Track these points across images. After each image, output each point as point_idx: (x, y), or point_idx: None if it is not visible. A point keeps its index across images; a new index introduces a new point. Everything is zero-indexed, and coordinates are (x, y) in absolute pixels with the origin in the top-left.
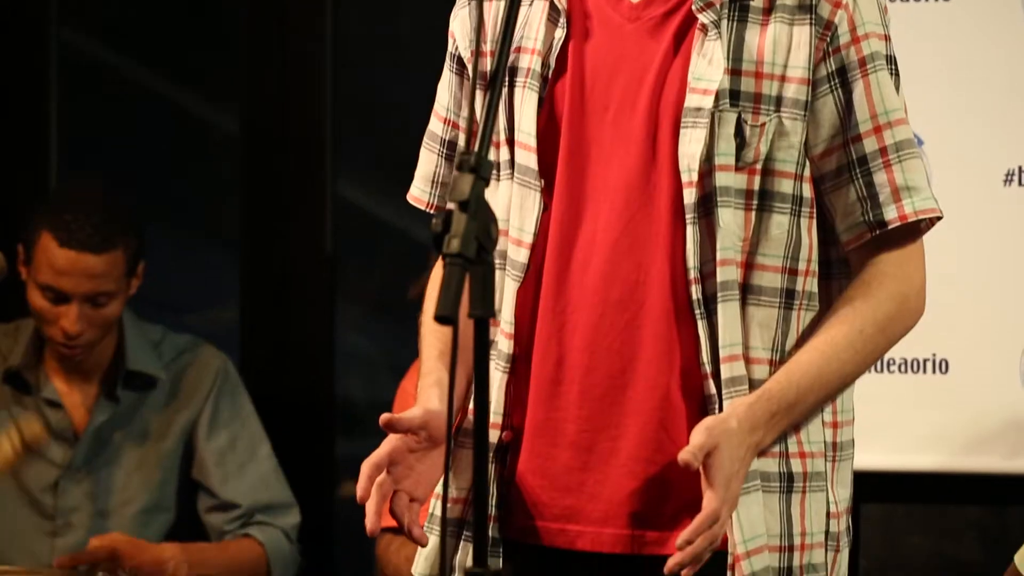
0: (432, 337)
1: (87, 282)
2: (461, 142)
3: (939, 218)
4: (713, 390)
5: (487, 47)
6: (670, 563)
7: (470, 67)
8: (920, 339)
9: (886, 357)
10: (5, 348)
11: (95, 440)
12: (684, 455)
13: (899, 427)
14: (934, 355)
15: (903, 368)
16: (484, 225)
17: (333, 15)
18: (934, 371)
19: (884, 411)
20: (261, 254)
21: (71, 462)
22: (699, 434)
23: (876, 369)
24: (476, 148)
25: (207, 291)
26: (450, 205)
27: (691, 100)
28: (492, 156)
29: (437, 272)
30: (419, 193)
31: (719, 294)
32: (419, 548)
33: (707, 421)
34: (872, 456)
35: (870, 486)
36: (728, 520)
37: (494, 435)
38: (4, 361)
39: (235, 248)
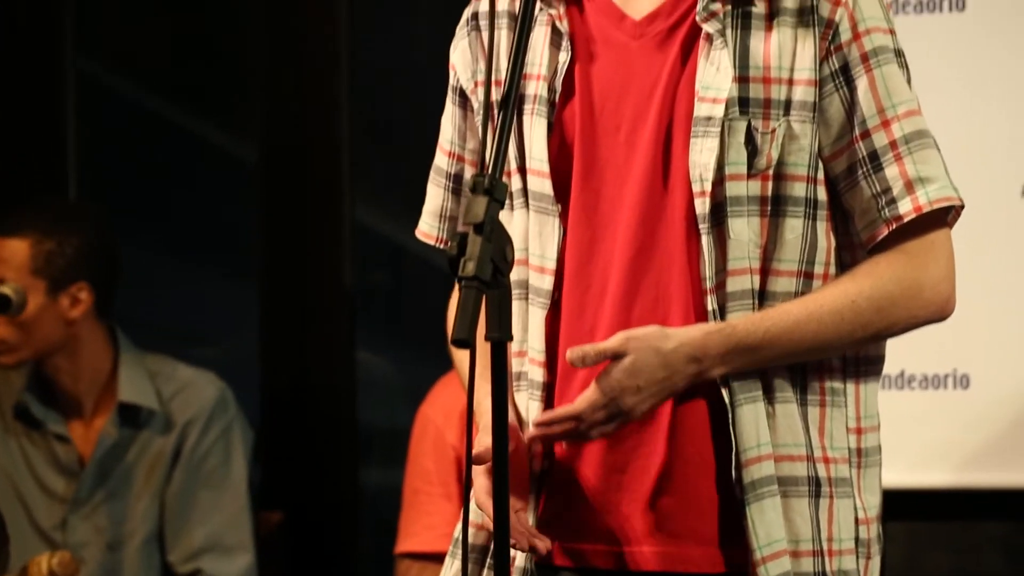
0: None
1: None
2: (467, 175)
3: (961, 206)
4: (727, 399)
5: (494, 76)
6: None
7: (473, 98)
8: (940, 354)
9: (906, 373)
10: (16, 382)
11: (99, 472)
12: (572, 351)
13: (920, 443)
14: (955, 370)
15: (924, 384)
16: (500, 247)
17: (350, 46)
18: (955, 386)
19: (905, 427)
20: (281, 284)
21: (76, 495)
22: (615, 338)
23: (896, 385)
24: (489, 170)
25: (227, 322)
26: (465, 228)
27: (701, 109)
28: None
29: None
30: (428, 228)
31: (730, 304)
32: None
33: (634, 330)
34: (893, 474)
35: (891, 503)
36: (598, 430)
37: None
38: (14, 396)
39: (256, 278)
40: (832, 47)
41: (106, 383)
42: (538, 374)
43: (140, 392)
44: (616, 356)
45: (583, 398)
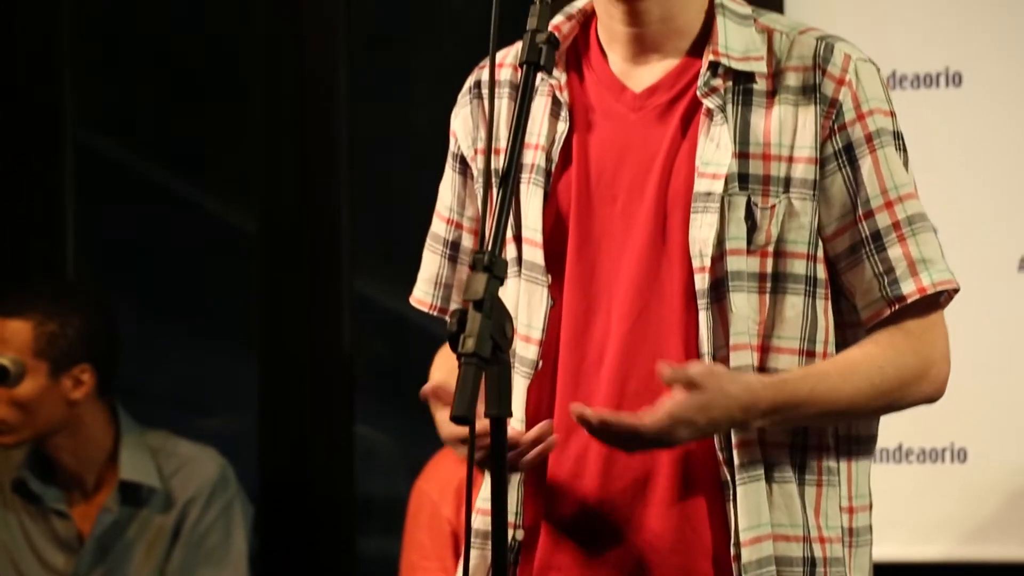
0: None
1: None
2: (465, 242)
3: (956, 290)
4: (727, 476)
5: (493, 145)
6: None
7: (473, 165)
8: (937, 428)
9: (904, 446)
10: (15, 458)
11: (98, 549)
12: (666, 368)
13: (918, 517)
14: (952, 444)
15: (921, 457)
16: (499, 324)
17: (349, 112)
18: (952, 460)
19: (903, 501)
20: (280, 355)
21: (75, 571)
22: (701, 369)
23: (894, 459)
24: (489, 247)
25: (228, 392)
26: (458, 305)
27: (700, 185)
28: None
29: (441, 357)
30: (422, 295)
31: None
32: None
33: (714, 366)
34: (891, 547)
35: None
36: (647, 446)
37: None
38: (12, 472)
39: (253, 348)
40: (836, 126)
41: (107, 461)
42: None
43: (141, 470)
44: (692, 386)
45: (654, 419)
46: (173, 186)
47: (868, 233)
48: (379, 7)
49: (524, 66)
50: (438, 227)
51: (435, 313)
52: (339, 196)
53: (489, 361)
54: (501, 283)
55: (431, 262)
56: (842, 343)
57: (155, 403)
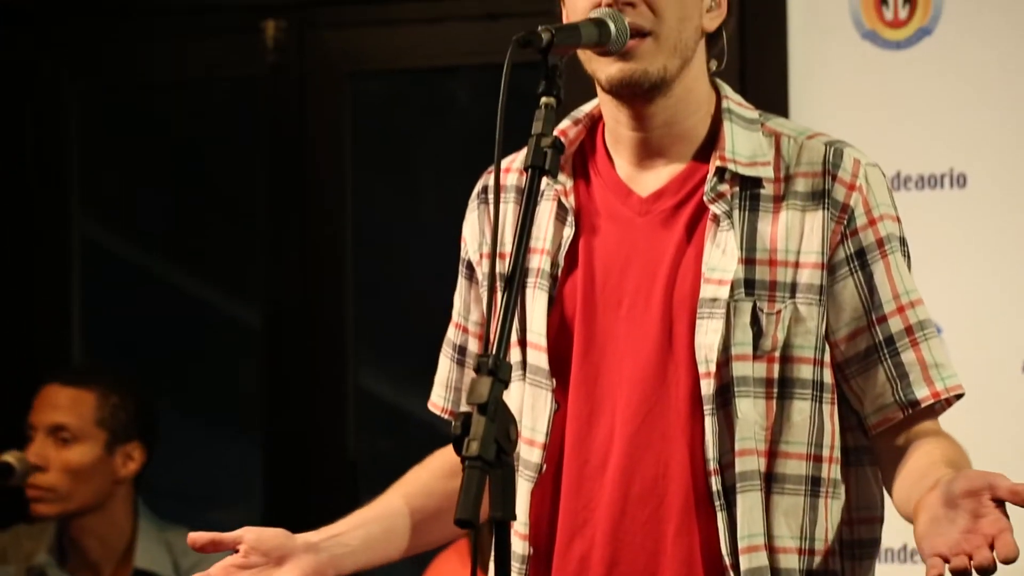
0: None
1: (48, 411)
2: (471, 346)
3: (962, 395)
4: None
5: (499, 249)
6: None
7: (479, 270)
8: None
9: (908, 547)
10: (29, 548)
11: None
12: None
13: None
14: None
15: None
16: (503, 428)
17: (354, 207)
18: None
19: None
20: (284, 449)
21: None
22: (1001, 477)
23: (899, 559)
24: (494, 350)
25: (231, 484)
26: (468, 407)
27: (706, 291)
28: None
29: (440, 456)
30: (436, 399)
31: (738, 484)
32: None
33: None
34: None
35: None
36: None
37: None
38: (28, 560)
39: (259, 441)
40: (847, 231)
41: (125, 550)
42: (520, 547)
43: (156, 561)
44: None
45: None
46: (178, 280)
47: (881, 338)
48: (385, 103)
49: (528, 171)
50: (450, 332)
51: (448, 416)
52: (343, 291)
53: (493, 464)
54: (505, 386)
55: (443, 366)
56: (845, 448)
57: (160, 494)
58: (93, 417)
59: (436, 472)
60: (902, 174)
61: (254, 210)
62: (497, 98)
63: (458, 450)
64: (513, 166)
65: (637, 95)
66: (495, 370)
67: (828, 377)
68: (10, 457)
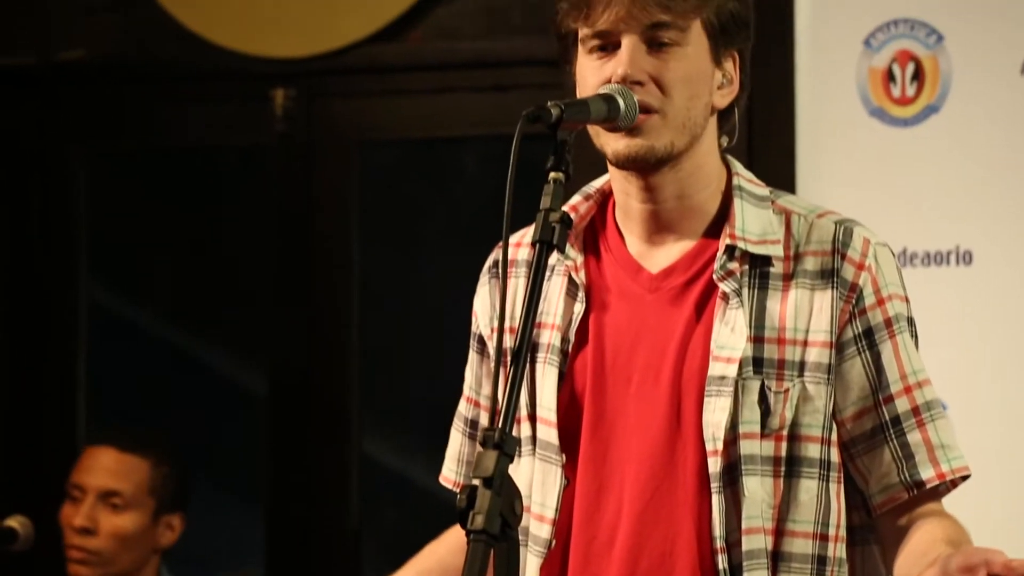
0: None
1: (102, 475)
2: (482, 420)
3: (968, 476)
4: None
5: (508, 324)
6: None
7: (490, 344)
8: None
9: None
10: None
11: None
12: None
13: None
14: None
15: None
16: (509, 501)
17: (360, 276)
18: None
19: None
20: (287, 515)
21: None
22: (998, 553)
23: None
24: (500, 424)
25: (235, 549)
26: (475, 481)
27: (715, 368)
28: (514, 432)
29: (456, 531)
30: (448, 472)
31: (745, 563)
32: None
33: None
34: None
35: None
36: None
37: None
38: None
39: (262, 508)
40: (856, 311)
41: None
42: None
43: None
44: None
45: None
46: (184, 345)
47: (888, 418)
48: (392, 172)
49: (536, 245)
50: (461, 405)
51: (458, 490)
52: (348, 358)
53: (498, 538)
54: (511, 460)
55: (454, 440)
56: (850, 527)
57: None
58: (146, 485)
59: (453, 548)
60: (908, 250)
61: (261, 276)
62: (505, 168)
63: (463, 523)
64: (523, 241)
65: (644, 169)
66: (501, 444)
67: (835, 456)
68: (14, 522)
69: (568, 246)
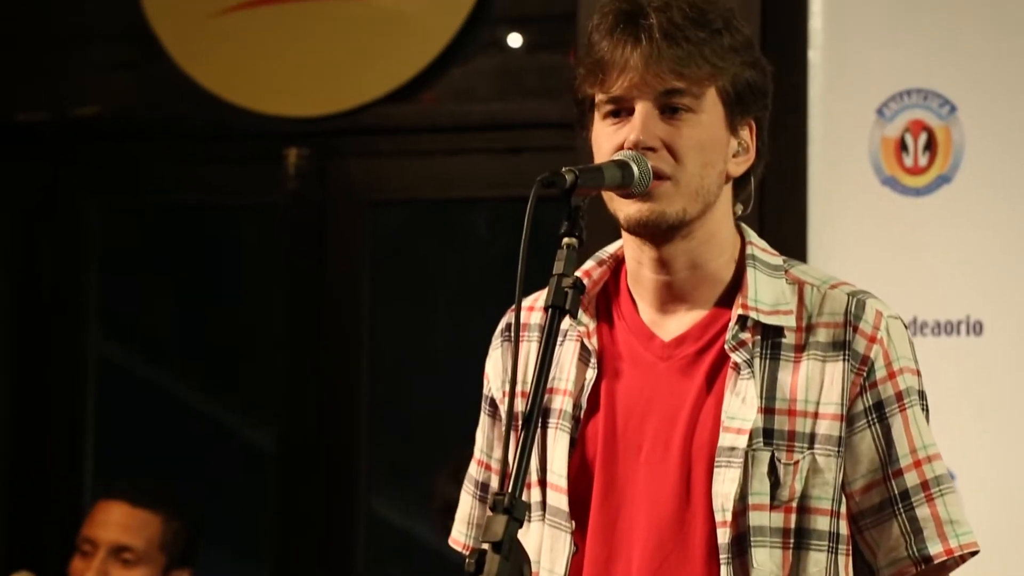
0: None
1: (114, 530)
2: (493, 483)
3: (977, 552)
4: None
5: (520, 388)
6: None
7: (502, 408)
8: None
9: None
10: None
11: None
12: None
13: None
14: None
15: None
16: (517, 567)
17: (370, 335)
18: None
19: None
20: (293, 572)
21: None
22: None
23: None
24: (510, 489)
25: None
26: (484, 545)
27: (725, 439)
28: (525, 497)
29: None
30: (458, 535)
31: None
32: None
33: None
34: None
35: None
36: None
37: None
38: None
39: (270, 565)
40: (867, 384)
41: None
42: None
43: None
44: None
45: None
46: (193, 401)
47: (897, 492)
48: (404, 233)
49: (548, 310)
50: (472, 468)
51: (467, 553)
52: (357, 417)
53: None
54: (520, 525)
55: (464, 503)
56: None
57: None
58: (158, 541)
59: None
60: (919, 320)
61: (272, 335)
62: (517, 230)
63: None
64: (536, 305)
65: (656, 235)
66: (511, 509)
67: (844, 529)
68: None
69: (581, 311)
